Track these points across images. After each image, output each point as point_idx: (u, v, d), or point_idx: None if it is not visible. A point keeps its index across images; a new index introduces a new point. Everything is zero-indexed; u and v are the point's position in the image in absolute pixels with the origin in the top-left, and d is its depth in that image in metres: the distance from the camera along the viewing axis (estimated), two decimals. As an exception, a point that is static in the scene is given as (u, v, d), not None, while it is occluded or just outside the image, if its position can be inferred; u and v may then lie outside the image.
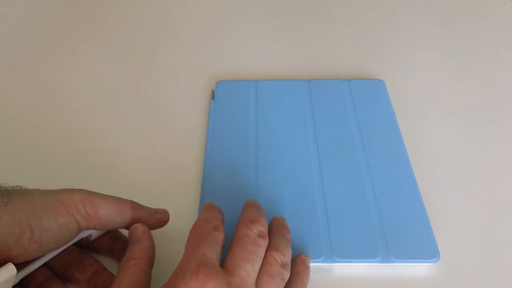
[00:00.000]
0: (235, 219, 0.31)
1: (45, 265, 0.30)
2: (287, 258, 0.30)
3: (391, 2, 0.60)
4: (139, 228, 0.30)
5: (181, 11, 0.58)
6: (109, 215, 0.29)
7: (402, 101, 0.46)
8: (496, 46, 0.53)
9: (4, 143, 0.42)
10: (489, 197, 0.38)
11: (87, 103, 0.46)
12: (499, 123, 0.44)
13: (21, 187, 0.28)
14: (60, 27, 0.56)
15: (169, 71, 0.50)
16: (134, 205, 0.31)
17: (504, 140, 0.43)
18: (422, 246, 0.34)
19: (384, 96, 0.45)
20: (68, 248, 0.30)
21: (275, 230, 0.32)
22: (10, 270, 0.25)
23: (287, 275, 0.30)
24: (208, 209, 0.31)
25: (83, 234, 0.30)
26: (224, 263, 0.28)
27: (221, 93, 0.45)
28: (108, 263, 0.33)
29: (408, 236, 0.34)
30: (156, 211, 0.32)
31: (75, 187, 0.29)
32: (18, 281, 0.27)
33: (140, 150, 0.42)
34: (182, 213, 0.36)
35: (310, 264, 0.33)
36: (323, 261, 0.33)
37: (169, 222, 0.33)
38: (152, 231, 0.31)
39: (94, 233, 0.31)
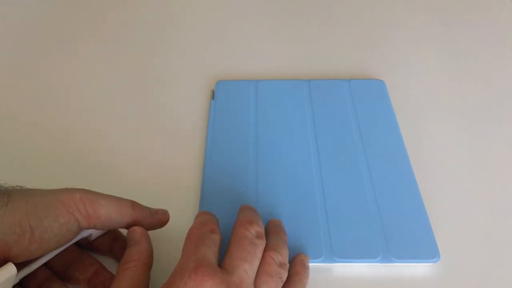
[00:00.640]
0: (234, 219, 0.31)
1: (45, 265, 0.30)
2: (285, 258, 0.30)
3: (391, 2, 0.60)
4: (137, 230, 0.30)
5: (181, 11, 0.58)
6: (109, 215, 0.29)
7: (402, 101, 0.46)
8: (496, 46, 0.53)
9: (4, 143, 0.42)
10: (489, 197, 0.38)
11: (87, 103, 0.46)
12: (499, 123, 0.44)
13: (22, 187, 0.28)
14: (60, 27, 0.56)
15: (169, 71, 0.50)
16: (134, 205, 0.31)
17: (504, 140, 0.43)
18: (422, 246, 0.34)
19: (384, 96, 0.45)
20: (68, 248, 0.30)
21: (272, 231, 0.32)
22: (10, 270, 0.25)
23: (285, 275, 0.30)
24: (203, 214, 0.31)
25: (83, 234, 0.30)
26: (222, 263, 0.28)
27: (221, 93, 0.45)
28: (108, 263, 0.33)
29: (408, 236, 0.34)
30: (156, 211, 0.32)
31: (75, 187, 0.29)
32: (18, 281, 0.27)
33: (140, 150, 0.42)
34: (182, 213, 0.36)
35: (310, 264, 0.33)
36: (323, 261, 0.33)
37: (169, 223, 0.33)
38: (152, 232, 0.31)
39: (94, 233, 0.31)
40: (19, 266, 0.26)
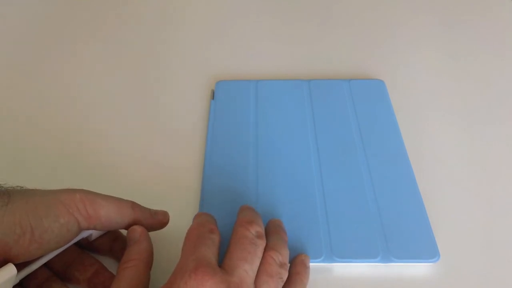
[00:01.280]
0: (234, 219, 0.31)
1: (45, 265, 0.30)
2: (285, 258, 0.30)
3: (391, 2, 0.60)
4: (137, 229, 0.30)
5: (181, 11, 0.58)
6: (109, 215, 0.29)
7: (402, 101, 0.46)
8: (496, 46, 0.53)
9: (4, 143, 0.42)
10: (489, 197, 0.38)
11: (87, 103, 0.46)
12: (499, 123, 0.44)
13: (22, 187, 0.28)
14: (60, 27, 0.56)
15: (169, 71, 0.50)
16: (134, 205, 0.31)
17: (504, 140, 0.43)
18: (422, 246, 0.34)
19: (384, 96, 0.45)
20: (68, 248, 0.30)
21: (272, 231, 0.32)
22: (10, 270, 0.25)
23: (285, 275, 0.30)
24: (201, 215, 0.31)
25: (84, 234, 0.30)
26: (223, 263, 0.28)
27: (221, 93, 0.45)
28: (108, 263, 0.33)
29: (408, 236, 0.34)
30: (156, 212, 0.32)
31: (76, 187, 0.29)
32: (18, 281, 0.27)
33: (140, 150, 0.42)
34: (182, 213, 0.36)
35: (310, 264, 0.33)
36: (323, 261, 0.33)
37: (169, 222, 0.33)
38: (152, 232, 0.31)
39: (94, 233, 0.31)
40: (19, 266, 0.26)
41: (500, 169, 0.40)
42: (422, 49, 0.53)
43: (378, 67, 0.50)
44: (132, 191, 0.34)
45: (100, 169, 0.40)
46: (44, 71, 0.50)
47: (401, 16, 0.57)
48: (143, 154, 0.41)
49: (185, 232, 0.29)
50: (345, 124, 0.42)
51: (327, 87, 0.46)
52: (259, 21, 0.57)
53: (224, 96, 0.45)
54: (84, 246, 0.33)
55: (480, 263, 0.34)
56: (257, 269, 0.28)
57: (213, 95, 0.46)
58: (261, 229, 0.30)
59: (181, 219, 0.34)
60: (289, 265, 0.31)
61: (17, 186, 0.28)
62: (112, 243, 0.33)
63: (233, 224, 0.31)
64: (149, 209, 0.32)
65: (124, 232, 0.34)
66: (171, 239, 0.34)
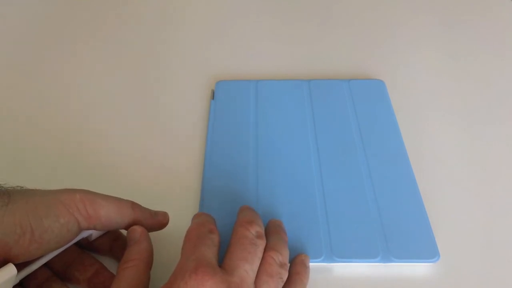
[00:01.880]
0: (234, 219, 0.31)
1: (46, 265, 0.30)
2: (285, 258, 0.30)
3: (391, 2, 0.60)
4: (137, 230, 0.30)
5: (181, 11, 0.58)
6: (109, 215, 0.29)
7: (402, 101, 0.46)
8: (496, 46, 0.53)
9: (4, 143, 0.42)
10: (489, 197, 0.38)
11: (87, 103, 0.46)
12: (499, 123, 0.44)
13: (22, 187, 0.28)
14: (60, 27, 0.56)
15: (169, 71, 0.50)
16: (134, 205, 0.31)
17: (504, 140, 0.43)
18: (422, 246, 0.34)
19: (384, 96, 0.45)
20: (68, 248, 0.30)
21: (272, 231, 0.32)
22: (10, 270, 0.25)
23: (285, 275, 0.30)
24: (200, 215, 0.31)
25: (84, 234, 0.30)
26: (223, 263, 0.28)
27: (221, 93, 0.45)
28: (108, 263, 0.33)
29: (408, 236, 0.34)
30: (156, 213, 0.32)
31: (76, 187, 0.29)
32: (18, 281, 0.27)
33: (140, 150, 0.42)
34: (182, 213, 0.36)
35: (310, 264, 0.33)
36: (323, 261, 0.33)
37: (169, 222, 0.33)
38: (152, 232, 0.31)
39: (94, 233, 0.31)
40: (19, 266, 0.26)
41: (500, 169, 0.40)
42: (422, 49, 0.53)
43: (378, 67, 0.50)
44: (132, 191, 0.34)
45: (100, 169, 0.40)
46: (44, 71, 0.50)
47: (401, 16, 0.57)
48: (143, 154, 0.41)
49: (185, 232, 0.29)
50: (345, 124, 0.42)
51: (327, 87, 0.46)
52: (259, 21, 0.57)
53: (224, 96, 0.45)
54: (84, 246, 0.33)
55: (480, 263, 0.34)
56: (257, 269, 0.28)
57: (213, 95, 0.46)
58: (261, 229, 0.30)
59: (181, 220, 0.34)
60: (289, 265, 0.31)
61: (17, 186, 0.28)
62: (112, 243, 0.33)
63: (233, 224, 0.31)
64: (149, 210, 0.32)
65: (124, 232, 0.34)
66: (171, 239, 0.34)
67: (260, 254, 0.29)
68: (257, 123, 0.42)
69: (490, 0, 0.60)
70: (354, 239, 0.34)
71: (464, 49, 0.53)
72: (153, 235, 0.31)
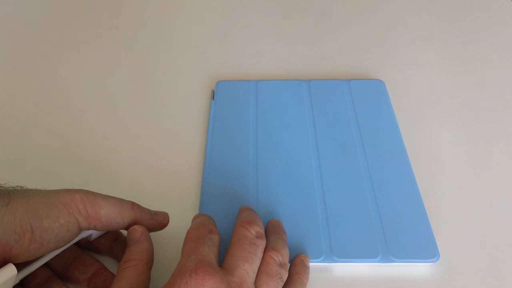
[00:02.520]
0: (234, 220, 0.32)
1: (46, 265, 0.30)
2: (285, 258, 0.30)
3: (391, 2, 0.60)
4: (138, 229, 0.30)
5: (182, 11, 0.58)
6: (109, 216, 0.29)
7: (402, 101, 0.46)
8: (496, 46, 0.53)
9: (4, 143, 0.42)
10: (489, 197, 0.38)
11: (87, 103, 0.46)
12: (499, 123, 0.44)
13: (22, 187, 0.28)
14: (60, 27, 0.56)
15: (169, 71, 0.50)
16: (134, 206, 0.31)
17: (504, 140, 0.43)
18: (421, 246, 0.34)
19: (384, 96, 0.45)
20: (68, 248, 0.30)
21: (272, 231, 0.33)
22: (10, 270, 0.25)
23: (285, 275, 0.30)
24: (200, 216, 0.31)
25: (84, 234, 0.30)
26: (223, 263, 0.28)
27: (221, 93, 0.45)
28: (108, 263, 0.33)
29: (408, 236, 0.34)
30: (156, 213, 0.32)
31: (76, 187, 0.29)
32: (18, 281, 0.27)
33: (140, 150, 0.42)
34: (182, 214, 0.36)
35: (310, 264, 0.33)
36: (323, 261, 0.33)
37: (169, 223, 0.33)
38: (152, 233, 0.31)
39: (94, 233, 0.31)
40: (19, 266, 0.26)
41: (500, 169, 0.40)
42: (422, 49, 0.53)
43: (378, 67, 0.50)
44: (132, 192, 0.34)
45: (100, 169, 0.40)
46: (44, 71, 0.50)
47: (401, 16, 0.57)
48: (143, 154, 0.41)
49: (185, 232, 0.29)
50: (345, 124, 0.42)
51: (327, 87, 0.46)
52: (259, 21, 0.57)
53: (224, 96, 0.45)
54: (84, 246, 0.33)
55: (480, 263, 0.34)
56: (257, 269, 0.28)
57: (213, 95, 0.46)
58: (261, 230, 0.30)
59: (181, 220, 0.34)
60: (289, 265, 0.31)
61: (17, 186, 0.28)
62: (112, 243, 0.33)
63: (233, 225, 0.31)
64: (149, 210, 0.32)
65: (124, 232, 0.34)
66: (171, 240, 0.34)
67: (260, 254, 0.29)
68: (257, 123, 0.42)
69: (490, 0, 0.60)
70: (354, 239, 0.34)
71: (464, 49, 0.53)
72: (153, 235, 0.31)
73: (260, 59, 0.51)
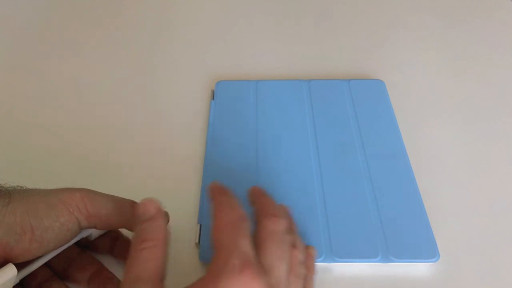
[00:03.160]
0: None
1: (46, 264, 0.30)
2: (303, 256, 0.30)
3: (391, 2, 0.60)
4: (152, 204, 0.27)
5: (182, 12, 0.58)
6: (109, 214, 0.29)
7: (402, 101, 0.46)
8: (496, 46, 0.53)
9: (4, 143, 0.42)
10: (489, 197, 0.38)
11: (87, 103, 0.46)
12: (499, 123, 0.44)
13: (22, 187, 0.28)
14: (61, 27, 0.56)
15: (170, 71, 0.50)
16: (135, 204, 0.31)
17: (504, 140, 0.43)
18: (421, 246, 0.34)
19: (384, 96, 0.45)
20: (68, 247, 0.30)
21: (294, 230, 0.32)
22: (11, 270, 0.25)
23: (305, 273, 0.30)
24: (223, 193, 0.28)
25: (84, 234, 0.30)
26: (260, 260, 0.26)
27: (221, 93, 0.45)
28: (108, 263, 0.33)
29: (408, 236, 0.34)
30: None
31: (76, 186, 0.29)
32: (18, 281, 0.27)
33: (140, 149, 0.42)
34: (182, 214, 0.36)
35: (310, 264, 0.33)
36: (323, 261, 0.33)
37: (169, 224, 0.33)
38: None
39: (94, 233, 0.31)
40: (20, 266, 0.26)
41: (500, 169, 0.40)
42: (422, 49, 0.53)
43: (378, 67, 0.50)
44: (132, 191, 0.34)
45: (100, 169, 0.40)
46: (44, 71, 0.50)
47: (401, 16, 0.57)
48: (143, 153, 0.41)
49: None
50: (345, 124, 0.42)
51: (327, 87, 0.46)
52: (259, 21, 0.57)
53: (224, 96, 0.45)
54: (84, 245, 0.33)
55: (480, 263, 0.34)
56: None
57: (213, 95, 0.46)
58: (289, 224, 0.29)
59: (181, 220, 0.34)
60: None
61: (18, 186, 0.28)
62: (112, 243, 0.33)
63: None
64: (150, 209, 0.32)
65: (124, 231, 0.34)
66: (171, 240, 0.33)
67: (290, 252, 0.28)
68: (257, 123, 0.42)
69: (490, 0, 0.60)
70: (354, 239, 0.34)
71: (464, 49, 0.53)
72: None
73: (260, 59, 0.51)
